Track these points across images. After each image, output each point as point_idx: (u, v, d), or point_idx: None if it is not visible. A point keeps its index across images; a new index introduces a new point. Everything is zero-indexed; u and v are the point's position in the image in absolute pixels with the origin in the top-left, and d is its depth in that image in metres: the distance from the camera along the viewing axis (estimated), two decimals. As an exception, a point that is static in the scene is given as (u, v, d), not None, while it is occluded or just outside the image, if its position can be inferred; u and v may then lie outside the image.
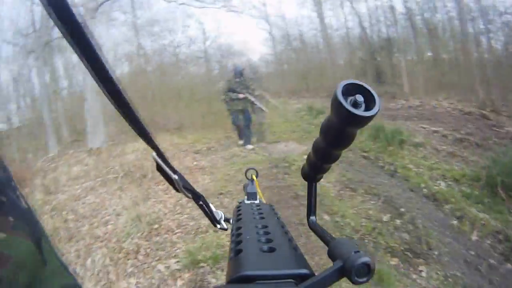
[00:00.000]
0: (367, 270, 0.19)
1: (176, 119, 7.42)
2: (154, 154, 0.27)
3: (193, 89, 9.50)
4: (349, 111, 0.19)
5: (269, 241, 0.25)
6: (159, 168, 0.29)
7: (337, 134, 0.23)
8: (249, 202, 0.41)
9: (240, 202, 0.40)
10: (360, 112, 0.20)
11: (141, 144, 4.44)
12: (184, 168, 3.94)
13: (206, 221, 2.10)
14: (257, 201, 0.41)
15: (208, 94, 8.65)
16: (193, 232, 2.35)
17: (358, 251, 0.20)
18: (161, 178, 0.30)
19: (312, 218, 0.32)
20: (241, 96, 4.90)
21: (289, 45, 21.74)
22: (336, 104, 0.20)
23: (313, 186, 0.32)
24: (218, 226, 0.40)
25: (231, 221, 0.37)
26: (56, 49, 10.18)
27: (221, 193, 3.06)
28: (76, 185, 3.87)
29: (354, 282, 0.19)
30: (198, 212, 2.73)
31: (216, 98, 6.88)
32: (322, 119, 0.24)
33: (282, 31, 20.69)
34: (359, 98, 0.20)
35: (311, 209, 0.32)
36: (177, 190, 0.31)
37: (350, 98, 0.20)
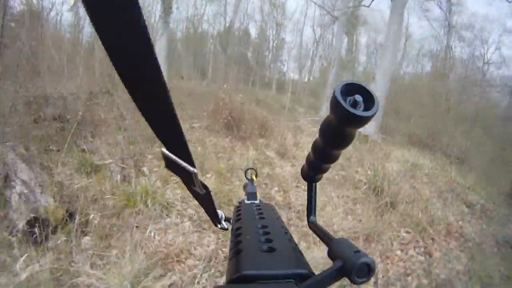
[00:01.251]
0: (367, 270, 0.19)
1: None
2: (164, 149, 0.24)
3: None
4: (348, 111, 0.19)
5: (269, 241, 0.25)
6: (168, 165, 0.25)
7: (336, 134, 0.23)
8: (249, 202, 0.41)
9: (240, 202, 0.40)
10: (359, 112, 0.20)
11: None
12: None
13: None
14: (257, 201, 0.41)
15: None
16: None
17: (358, 251, 0.20)
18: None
19: (312, 218, 0.32)
20: None
21: None
22: (335, 104, 0.20)
23: (313, 186, 0.32)
24: (219, 225, 0.40)
25: (231, 221, 0.37)
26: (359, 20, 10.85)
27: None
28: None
29: (354, 282, 0.19)
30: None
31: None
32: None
33: None
34: (358, 98, 0.20)
35: (311, 209, 0.32)
36: (191, 186, 0.28)
37: (349, 98, 0.20)
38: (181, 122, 0.21)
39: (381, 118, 6.71)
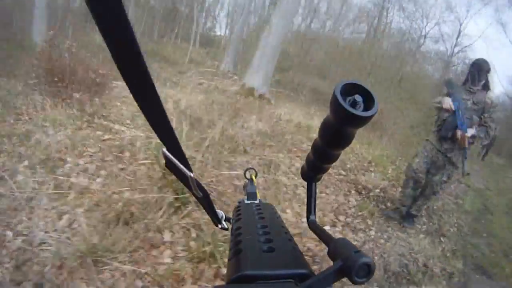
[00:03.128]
0: (367, 270, 0.19)
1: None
2: (164, 149, 0.26)
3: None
4: (348, 111, 0.19)
5: (269, 241, 0.25)
6: (168, 165, 0.27)
7: (336, 134, 0.23)
8: (249, 202, 0.41)
9: (240, 202, 0.40)
10: (358, 112, 0.20)
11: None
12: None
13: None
14: (257, 201, 0.41)
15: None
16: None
17: (358, 251, 0.20)
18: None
19: (312, 218, 0.32)
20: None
21: None
22: (335, 104, 0.20)
23: (313, 186, 0.32)
24: (219, 225, 0.40)
25: (231, 220, 0.37)
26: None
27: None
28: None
29: (354, 282, 0.19)
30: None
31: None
32: None
33: None
34: (358, 98, 0.20)
35: (310, 209, 0.32)
36: (189, 188, 0.29)
37: (349, 98, 0.20)
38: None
39: (272, 68, 6.29)
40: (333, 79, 8.96)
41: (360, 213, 2.58)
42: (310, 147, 0.28)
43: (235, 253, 0.24)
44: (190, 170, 0.27)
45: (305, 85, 8.32)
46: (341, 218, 2.37)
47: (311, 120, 4.92)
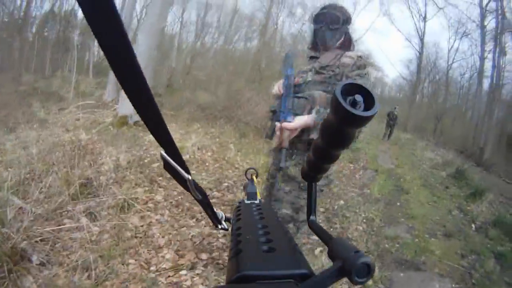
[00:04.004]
0: (367, 270, 0.19)
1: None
2: (162, 152, 0.26)
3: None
4: (348, 111, 0.19)
5: (269, 241, 0.25)
6: (167, 167, 0.28)
7: (336, 134, 0.23)
8: (249, 202, 0.41)
9: (240, 202, 0.40)
10: (359, 112, 0.20)
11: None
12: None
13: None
14: (257, 201, 0.41)
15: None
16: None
17: (358, 251, 0.20)
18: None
19: (312, 217, 0.32)
20: None
21: (433, 77, 20.80)
22: (335, 104, 0.20)
23: (313, 186, 0.32)
24: (220, 226, 0.40)
25: (231, 221, 0.37)
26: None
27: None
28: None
29: (354, 282, 0.19)
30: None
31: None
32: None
33: (427, 57, 19.95)
34: (358, 98, 0.20)
35: (311, 209, 0.32)
36: (188, 190, 0.30)
37: (349, 98, 0.20)
38: None
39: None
40: (222, 91, 8.40)
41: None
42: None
43: (235, 253, 0.24)
44: (188, 173, 0.28)
45: (191, 102, 7.91)
46: (204, 256, 1.83)
47: (189, 140, 4.26)
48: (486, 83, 15.10)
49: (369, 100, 0.21)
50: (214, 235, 2.08)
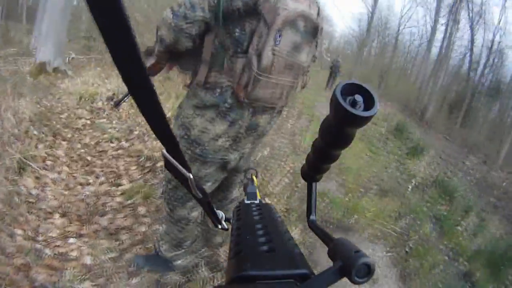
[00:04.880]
0: (367, 270, 0.19)
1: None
2: (164, 151, 0.27)
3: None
4: (348, 111, 0.19)
5: (269, 241, 0.25)
6: (168, 166, 0.28)
7: (336, 134, 0.23)
8: (249, 202, 0.41)
9: (240, 202, 0.40)
10: (359, 112, 0.20)
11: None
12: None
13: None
14: (257, 201, 0.41)
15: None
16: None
17: (358, 251, 0.20)
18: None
19: (312, 218, 0.32)
20: None
21: (382, 38, 21.14)
22: (335, 104, 0.20)
23: (313, 186, 0.32)
24: (220, 226, 0.40)
25: (231, 221, 0.37)
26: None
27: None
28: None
29: (354, 282, 0.19)
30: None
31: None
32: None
33: (379, 18, 20.21)
34: (358, 98, 0.20)
35: (311, 209, 0.32)
36: (188, 189, 0.30)
37: (349, 98, 0.21)
38: None
39: (64, 35, 5.06)
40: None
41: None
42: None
43: (235, 253, 0.24)
44: (189, 171, 0.28)
45: None
46: (96, 220, 1.63)
47: (102, 86, 3.92)
48: (434, 52, 16.08)
49: (369, 100, 0.21)
50: (111, 193, 1.84)
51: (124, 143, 2.53)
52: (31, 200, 1.70)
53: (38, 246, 1.40)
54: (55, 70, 4.75)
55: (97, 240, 1.48)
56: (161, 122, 0.23)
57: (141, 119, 2.91)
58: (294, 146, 3.34)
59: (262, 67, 0.84)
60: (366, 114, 0.20)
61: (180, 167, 0.27)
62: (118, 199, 1.80)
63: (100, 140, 2.52)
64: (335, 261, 0.20)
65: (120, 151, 2.39)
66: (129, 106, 3.29)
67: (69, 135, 2.54)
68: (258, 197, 0.44)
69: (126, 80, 0.19)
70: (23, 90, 3.30)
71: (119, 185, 1.95)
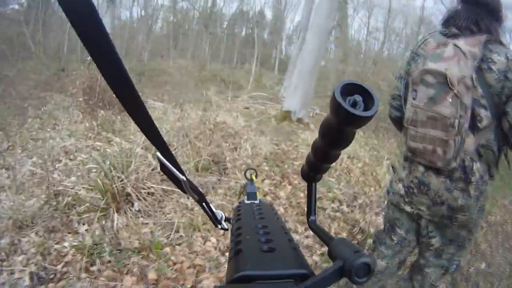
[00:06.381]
0: (367, 270, 0.19)
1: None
2: (158, 153, 0.27)
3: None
4: (348, 111, 0.19)
5: (269, 241, 0.25)
6: (163, 168, 0.29)
7: (336, 134, 0.23)
8: (249, 202, 0.41)
9: (240, 202, 0.40)
10: (359, 112, 0.20)
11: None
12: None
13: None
14: (257, 201, 0.41)
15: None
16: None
17: (358, 251, 0.20)
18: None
19: (312, 218, 0.32)
20: None
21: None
22: (335, 104, 0.20)
23: (313, 186, 0.32)
24: (219, 226, 0.40)
25: (231, 221, 0.37)
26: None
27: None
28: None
29: (354, 282, 0.19)
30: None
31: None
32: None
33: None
34: (358, 98, 0.20)
35: (311, 209, 0.32)
36: (183, 191, 0.31)
37: (349, 98, 0.21)
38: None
39: (311, 90, 5.53)
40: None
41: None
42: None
43: (235, 253, 0.24)
44: (183, 174, 0.29)
45: None
46: None
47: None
48: None
49: (369, 100, 0.21)
50: (312, 249, 1.92)
51: (345, 208, 2.53)
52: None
53: (222, 259, 1.60)
54: (299, 120, 5.17)
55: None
56: (151, 127, 0.25)
57: (368, 189, 3.00)
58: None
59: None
60: (366, 114, 0.20)
61: (174, 170, 0.28)
62: (315, 257, 1.86)
63: (323, 197, 2.57)
64: (335, 261, 0.20)
65: (338, 214, 2.42)
66: (359, 173, 3.38)
67: (295, 181, 2.67)
68: (258, 197, 0.44)
69: (118, 96, 0.21)
70: (266, 129, 3.76)
71: (322, 245, 2.04)
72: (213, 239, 1.71)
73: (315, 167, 0.29)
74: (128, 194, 1.88)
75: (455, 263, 1.12)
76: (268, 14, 20.27)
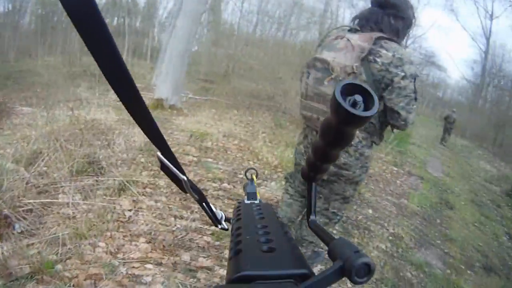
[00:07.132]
0: (367, 270, 0.19)
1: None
2: (159, 153, 0.27)
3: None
4: (348, 111, 0.19)
5: (269, 241, 0.25)
6: (163, 168, 0.29)
7: (336, 134, 0.23)
8: (249, 202, 0.41)
9: (240, 202, 0.40)
10: (359, 112, 0.20)
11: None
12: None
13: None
14: (257, 201, 0.41)
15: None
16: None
17: (358, 251, 0.20)
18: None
19: (312, 218, 0.32)
20: None
21: (498, 81, 19.19)
22: (335, 104, 0.20)
23: (313, 186, 0.32)
24: (219, 226, 0.40)
25: (231, 221, 0.37)
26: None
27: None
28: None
29: (354, 282, 0.19)
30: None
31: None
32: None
33: (495, 63, 18.49)
34: (358, 98, 0.20)
35: (311, 209, 0.33)
36: (184, 191, 0.31)
37: (349, 98, 0.21)
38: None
39: (182, 75, 5.49)
40: (270, 80, 8.18)
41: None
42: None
43: (235, 253, 0.24)
44: (183, 174, 0.29)
45: (240, 90, 7.81)
46: (178, 253, 1.69)
47: (214, 127, 4.24)
48: None
49: (369, 100, 0.21)
50: (201, 231, 1.87)
51: (227, 185, 2.56)
52: (122, 219, 1.83)
53: (115, 262, 1.48)
54: (171, 107, 5.13)
55: (174, 272, 1.52)
56: (152, 127, 0.25)
57: (247, 163, 3.15)
58: (400, 208, 3.14)
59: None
60: (366, 114, 0.20)
61: (174, 169, 0.28)
62: (207, 238, 1.83)
63: (203, 179, 2.57)
64: (335, 261, 0.20)
65: (220, 192, 2.42)
66: (237, 150, 3.44)
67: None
68: (258, 197, 0.44)
69: (119, 95, 0.21)
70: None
71: (211, 225, 1.98)
72: (102, 244, 1.58)
73: (315, 167, 0.29)
74: (7, 216, 1.64)
75: (338, 217, 1.37)
76: (141, 1, 19.15)
